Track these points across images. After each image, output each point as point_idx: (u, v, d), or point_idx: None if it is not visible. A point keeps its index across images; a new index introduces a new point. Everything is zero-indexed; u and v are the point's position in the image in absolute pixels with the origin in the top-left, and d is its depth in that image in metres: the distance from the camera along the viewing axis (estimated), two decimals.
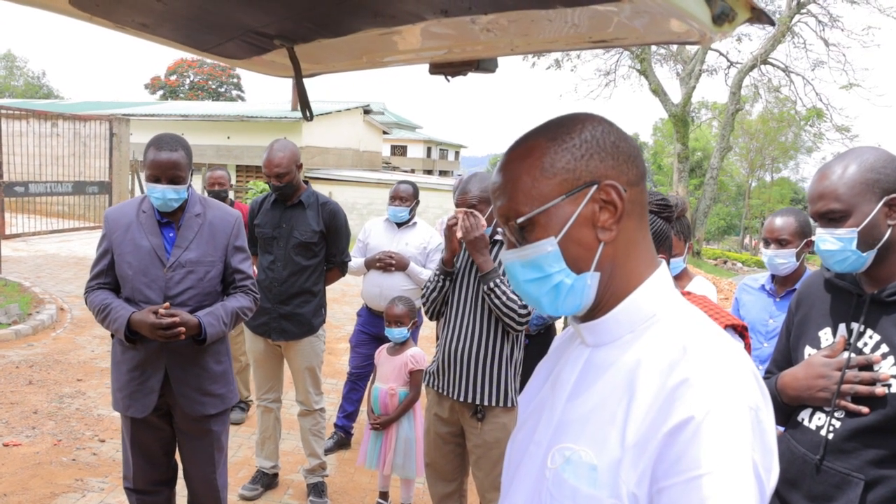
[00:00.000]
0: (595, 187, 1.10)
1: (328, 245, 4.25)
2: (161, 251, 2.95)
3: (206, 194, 5.54)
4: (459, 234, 3.18)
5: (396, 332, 4.03)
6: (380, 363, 4.18)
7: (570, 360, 1.20)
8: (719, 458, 0.94)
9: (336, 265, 4.38)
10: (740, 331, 2.29)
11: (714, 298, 3.16)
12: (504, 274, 3.18)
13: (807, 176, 58.71)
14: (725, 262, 28.43)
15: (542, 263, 1.12)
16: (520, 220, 1.12)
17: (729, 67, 26.54)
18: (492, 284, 3.10)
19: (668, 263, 2.32)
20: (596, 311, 1.15)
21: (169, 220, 3.01)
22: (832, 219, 1.89)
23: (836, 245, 1.87)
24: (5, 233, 12.49)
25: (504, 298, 3.09)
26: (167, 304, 2.86)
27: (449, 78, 2.03)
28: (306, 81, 2.12)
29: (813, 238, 3.33)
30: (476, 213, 3.15)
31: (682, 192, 24.81)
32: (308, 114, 2.20)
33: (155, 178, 2.89)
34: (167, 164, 2.88)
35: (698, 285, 3.24)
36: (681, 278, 3.21)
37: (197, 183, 13.98)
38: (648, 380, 1.03)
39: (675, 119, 25.87)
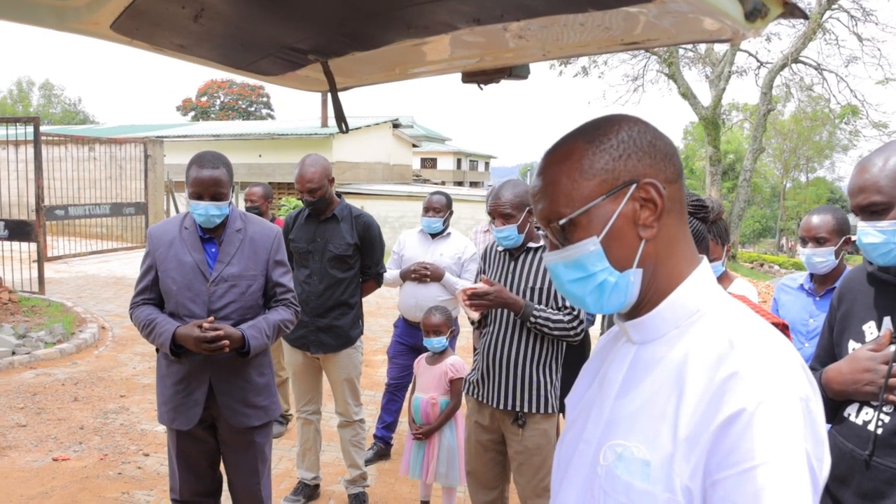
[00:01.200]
0: (634, 186, 1.12)
1: (363, 257, 4.29)
2: (204, 266, 3.01)
3: None
4: (476, 316, 3.28)
5: (436, 342, 4.05)
6: (419, 373, 4.20)
7: (617, 359, 1.21)
8: (772, 449, 0.94)
9: (372, 277, 4.41)
10: (781, 329, 2.27)
11: (755, 300, 3.13)
12: (539, 288, 3.19)
13: (843, 175, 57.80)
14: (762, 265, 28.04)
15: (586, 263, 1.14)
16: (561, 221, 1.14)
17: (759, 68, 26.24)
18: (532, 318, 3.13)
19: None
20: (640, 308, 1.17)
21: (211, 235, 3.07)
22: (874, 211, 1.87)
23: (878, 238, 1.85)
24: (48, 255, 12.76)
25: (550, 324, 3.12)
26: (212, 317, 2.91)
27: (482, 86, 2.05)
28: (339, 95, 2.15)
29: (851, 236, 3.31)
30: (476, 288, 3.17)
31: (716, 195, 24.53)
32: (344, 126, 2.24)
33: (198, 196, 2.95)
34: (209, 182, 2.94)
35: (739, 287, 3.21)
36: (721, 281, 3.18)
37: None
38: (697, 374, 1.04)
39: (706, 122, 25.62)
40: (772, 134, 44.31)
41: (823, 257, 3.26)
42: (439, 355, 4.13)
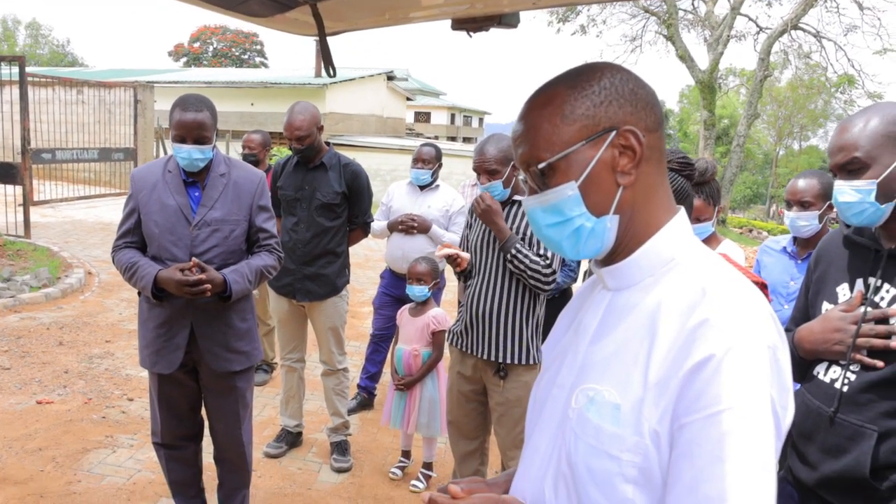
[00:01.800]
0: (614, 133, 1.12)
1: (350, 206, 4.27)
2: (187, 210, 2.99)
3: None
4: (467, 256, 3.36)
5: (417, 290, 4.06)
6: (402, 324, 4.22)
7: (593, 306, 1.22)
8: (739, 395, 0.96)
9: (359, 226, 4.40)
10: (759, 288, 2.28)
11: (742, 262, 3.14)
12: (522, 237, 3.20)
13: None
14: (751, 231, 28.14)
15: (563, 207, 1.14)
16: (541, 165, 1.15)
17: (758, 33, 26.03)
18: (513, 251, 3.13)
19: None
20: (616, 255, 1.17)
21: (194, 179, 3.04)
22: (851, 170, 1.87)
23: (854, 196, 1.86)
24: (34, 199, 12.66)
25: (527, 262, 3.11)
26: (194, 260, 2.90)
27: (471, 34, 2.02)
28: (330, 42, 2.12)
29: None
30: (484, 195, 3.20)
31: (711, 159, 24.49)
32: (332, 71, 2.20)
33: (181, 139, 2.92)
34: (192, 125, 2.90)
35: (727, 248, 3.22)
36: (709, 242, 3.17)
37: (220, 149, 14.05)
38: (669, 321, 1.05)
39: (702, 86, 25.47)
40: (767, 100, 44.20)
41: (807, 221, 3.27)
42: (422, 306, 4.15)
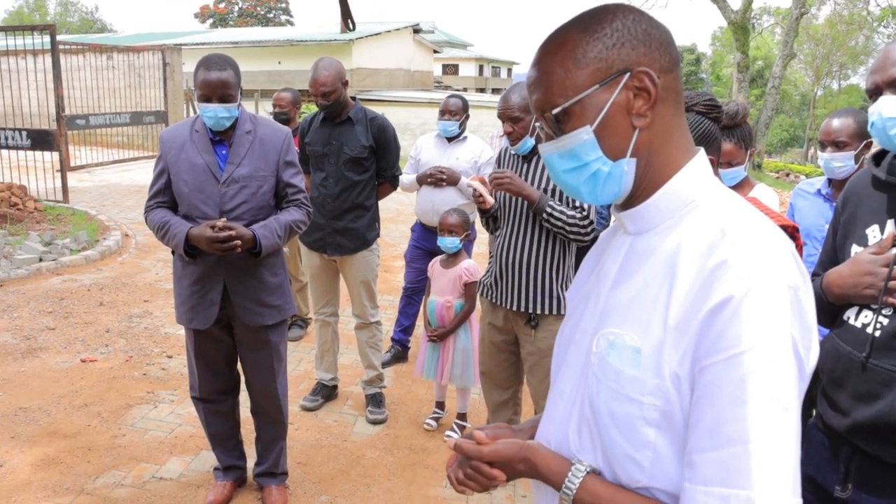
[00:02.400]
0: (628, 75, 1.10)
1: (378, 159, 4.27)
2: (215, 168, 3.02)
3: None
4: (491, 201, 3.32)
5: (448, 242, 4.07)
6: (434, 276, 4.24)
7: (614, 250, 1.22)
8: (759, 335, 0.95)
9: (387, 179, 4.40)
10: (791, 232, 2.24)
11: (775, 207, 3.08)
12: (552, 195, 3.18)
13: None
14: (788, 175, 27.61)
15: (580, 152, 1.13)
16: (555, 110, 1.13)
17: None
18: (547, 211, 3.11)
19: (717, 167, 2.26)
20: (635, 198, 1.16)
21: (221, 138, 3.06)
22: None
23: None
24: (70, 165, 12.85)
25: (564, 217, 3.10)
26: (224, 218, 2.93)
27: None
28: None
29: (872, 140, 3.21)
30: (502, 173, 3.19)
31: (743, 102, 23.94)
32: (351, 24, 2.19)
33: (206, 98, 2.93)
34: (217, 84, 2.91)
35: (760, 192, 3.14)
36: (742, 186, 3.10)
37: (250, 108, 14.09)
38: (688, 263, 1.04)
39: (735, 27, 24.79)
40: (804, 39, 42.93)
41: (842, 162, 3.17)
42: (453, 258, 4.16)
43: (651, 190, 1.14)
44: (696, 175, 1.14)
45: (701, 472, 0.98)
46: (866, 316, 1.87)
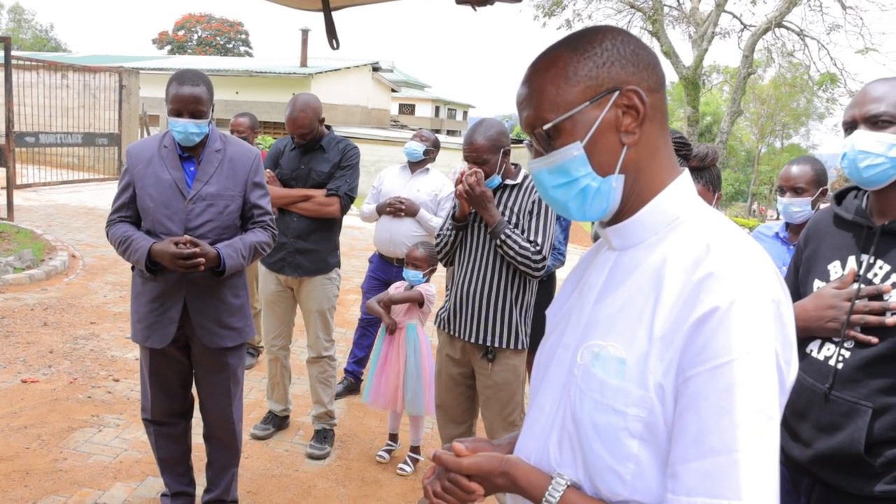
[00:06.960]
0: (617, 93, 1.14)
1: (337, 175, 4.17)
2: (182, 184, 2.99)
3: None
4: (459, 188, 3.22)
5: (412, 275, 4.09)
6: (391, 287, 4.32)
7: (598, 266, 1.24)
8: (744, 346, 0.98)
9: (338, 195, 4.14)
10: None
11: None
12: (511, 223, 3.20)
13: (818, 142, 58.17)
14: None
15: (569, 168, 1.16)
16: (546, 126, 1.16)
17: (742, 30, 26.09)
18: (503, 237, 3.14)
19: None
20: (621, 215, 1.19)
21: (190, 154, 3.04)
22: (879, 122, 1.86)
23: (876, 147, 1.84)
24: (16, 182, 12.52)
25: (517, 248, 3.12)
26: (187, 237, 2.90)
27: (476, 7, 2.04)
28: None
29: (827, 188, 3.35)
30: (478, 170, 3.18)
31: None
32: (335, 43, 2.22)
33: (177, 112, 2.92)
34: (189, 98, 2.90)
35: None
36: None
37: None
38: (674, 276, 1.07)
39: (686, 82, 25.53)
40: (750, 98, 44.43)
41: (800, 207, 3.30)
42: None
43: (637, 206, 1.17)
44: (681, 192, 1.17)
45: (685, 482, 0.99)
46: (829, 349, 1.93)
